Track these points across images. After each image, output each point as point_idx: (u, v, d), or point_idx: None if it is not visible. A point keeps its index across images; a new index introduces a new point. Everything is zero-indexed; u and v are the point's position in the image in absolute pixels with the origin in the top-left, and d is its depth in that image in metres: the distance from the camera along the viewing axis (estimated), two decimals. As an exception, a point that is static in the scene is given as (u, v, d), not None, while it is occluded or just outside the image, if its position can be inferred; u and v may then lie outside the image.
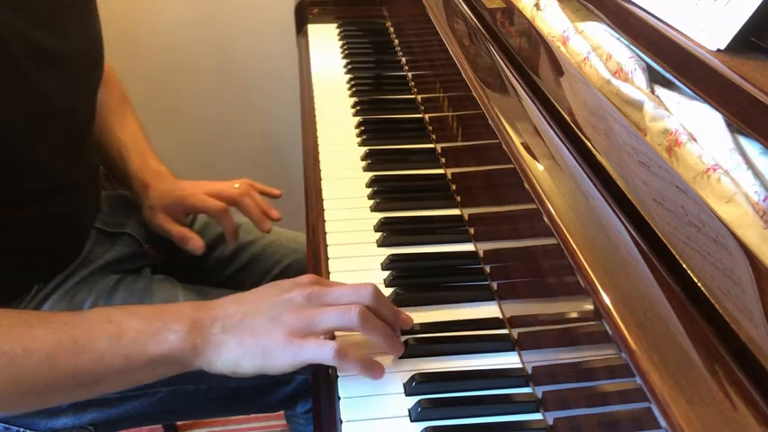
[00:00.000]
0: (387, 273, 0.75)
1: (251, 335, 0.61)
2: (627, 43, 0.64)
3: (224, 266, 1.06)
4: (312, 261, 0.82)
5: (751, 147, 0.49)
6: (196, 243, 0.92)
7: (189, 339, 0.61)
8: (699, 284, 0.41)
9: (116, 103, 1.00)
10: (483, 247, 0.77)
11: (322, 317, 0.61)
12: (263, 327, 0.61)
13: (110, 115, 0.98)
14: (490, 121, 0.68)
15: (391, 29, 1.37)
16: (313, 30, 1.41)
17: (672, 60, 0.58)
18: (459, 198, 0.86)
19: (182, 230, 0.92)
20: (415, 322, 0.68)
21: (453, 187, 0.89)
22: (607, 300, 0.44)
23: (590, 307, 0.46)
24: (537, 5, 0.78)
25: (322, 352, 0.59)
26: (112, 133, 0.97)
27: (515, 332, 0.66)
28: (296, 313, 0.61)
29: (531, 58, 0.71)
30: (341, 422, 0.59)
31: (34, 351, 0.59)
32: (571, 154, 0.56)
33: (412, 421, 0.59)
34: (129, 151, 0.96)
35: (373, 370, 0.62)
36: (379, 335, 0.62)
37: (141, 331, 0.61)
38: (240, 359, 0.61)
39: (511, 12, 0.82)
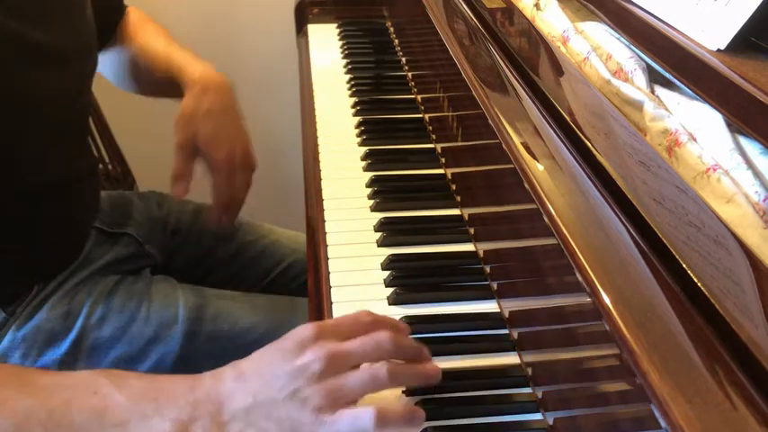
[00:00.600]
0: (387, 273, 0.75)
1: (272, 421, 0.51)
2: (627, 43, 0.64)
3: (224, 267, 1.06)
4: (312, 261, 0.82)
5: (751, 147, 0.49)
6: (177, 190, 0.86)
7: (185, 430, 0.51)
8: (699, 284, 0.41)
9: (156, 30, 1.02)
10: (483, 247, 0.77)
11: (351, 385, 0.53)
12: (285, 408, 0.51)
13: (154, 37, 1.00)
14: (490, 121, 0.68)
15: (391, 29, 1.37)
16: (313, 30, 1.41)
17: (672, 60, 0.58)
18: (459, 198, 0.86)
19: (181, 167, 0.86)
20: (414, 322, 0.68)
21: (453, 187, 0.89)
22: (607, 300, 0.44)
23: (590, 307, 0.46)
24: (537, 5, 0.78)
25: (362, 422, 0.51)
26: (156, 47, 0.97)
27: (515, 332, 0.66)
28: (318, 386, 0.52)
29: (531, 58, 0.71)
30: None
31: (1, 417, 0.51)
32: (571, 154, 0.56)
33: (412, 421, 0.59)
34: (174, 54, 0.96)
35: (418, 417, 0.55)
36: (411, 380, 0.58)
37: (129, 411, 0.52)
38: None
39: (511, 12, 0.82)
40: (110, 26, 1.00)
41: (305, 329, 0.56)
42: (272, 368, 0.54)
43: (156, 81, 0.97)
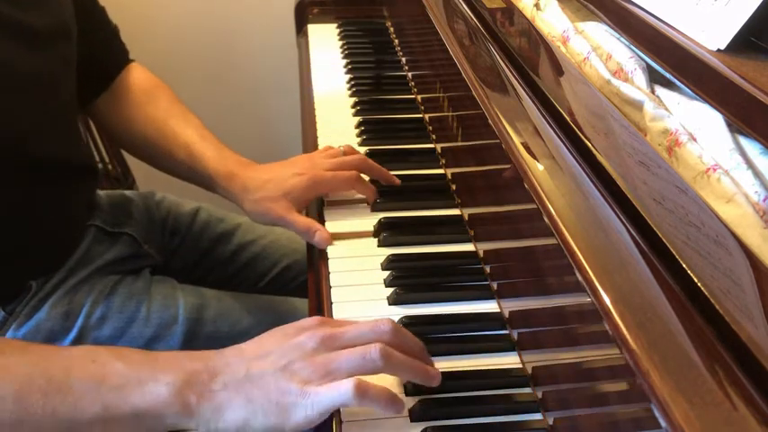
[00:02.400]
0: (387, 273, 0.75)
1: (260, 390, 0.53)
2: (627, 43, 0.64)
3: (224, 267, 1.06)
4: (312, 261, 0.82)
5: (751, 147, 0.49)
6: (323, 234, 0.80)
7: (181, 395, 0.53)
8: (699, 284, 0.41)
9: (171, 107, 0.95)
10: (483, 247, 0.77)
11: (339, 361, 0.54)
12: (273, 380, 0.54)
13: (168, 120, 0.92)
14: (490, 121, 0.68)
15: (391, 29, 1.37)
16: (313, 30, 1.41)
17: (672, 60, 0.58)
18: (459, 198, 0.86)
19: (309, 222, 0.82)
20: (414, 322, 0.68)
21: (453, 187, 0.89)
22: (607, 300, 0.44)
23: (590, 307, 0.46)
24: (537, 5, 0.78)
25: (339, 392, 0.52)
26: (176, 136, 0.90)
27: (515, 332, 0.66)
28: (309, 360, 0.54)
29: (531, 58, 0.71)
30: (342, 422, 0.59)
31: (1, 383, 0.52)
32: (571, 154, 0.56)
33: (412, 421, 0.59)
34: (199, 147, 0.88)
35: (398, 403, 0.56)
36: (408, 369, 0.57)
37: (126, 377, 0.53)
38: (250, 419, 0.53)
39: (511, 12, 0.82)
40: (108, 73, 0.97)
41: (310, 319, 0.59)
42: (270, 345, 0.56)
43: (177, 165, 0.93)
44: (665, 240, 0.45)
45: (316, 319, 0.59)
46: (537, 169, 0.58)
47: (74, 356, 0.56)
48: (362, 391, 0.53)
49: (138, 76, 0.98)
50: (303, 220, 0.82)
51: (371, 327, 0.57)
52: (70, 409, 0.53)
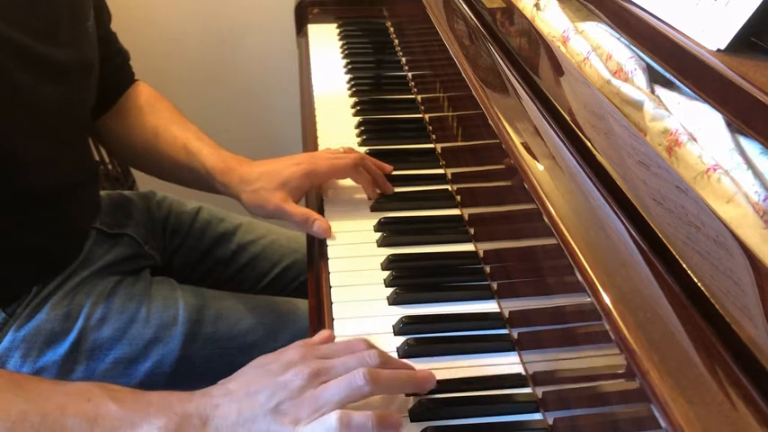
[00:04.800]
0: (387, 273, 0.75)
1: None
2: (627, 43, 0.64)
3: (224, 267, 1.06)
4: (312, 261, 0.82)
5: (751, 147, 0.49)
6: (322, 224, 0.81)
7: None
8: (699, 284, 0.41)
9: (172, 116, 0.96)
10: (483, 247, 0.77)
11: (327, 395, 0.54)
12: (264, 423, 0.54)
13: (169, 126, 0.93)
14: (490, 121, 0.68)
15: (391, 29, 1.37)
16: (313, 30, 1.41)
17: (672, 60, 0.58)
18: (459, 198, 0.86)
19: (306, 211, 0.82)
20: (414, 322, 0.68)
21: (453, 187, 0.89)
22: (607, 300, 0.44)
23: (590, 307, 0.46)
24: (537, 5, 0.78)
25: (325, 427, 0.53)
26: (175, 139, 0.91)
27: (515, 332, 0.66)
28: (297, 399, 0.54)
29: (531, 58, 0.71)
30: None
31: None
32: (571, 154, 0.56)
33: (412, 421, 0.59)
34: (196, 145, 0.89)
35: (389, 423, 0.55)
36: (396, 383, 0.57)
37: (120, 419, 0.54)
38: None
39: (511, 12, 0.82)
40: (114, 91, 0.98)
41: (293, 350, 0.59)
42: (256, 385, 0.56)
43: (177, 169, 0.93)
44: (665, 240, 0.45)
45: (298, 348, 0.59)
46: (537, 169, 0.58)
47: (69, 393, 0.56)
48: (346, 421, 0.53)
49: (141, 91, 1.00)
50: (301, 210, 0.82)
51: (357, 357, 0.58)
52: None
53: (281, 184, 0.82)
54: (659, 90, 0.58)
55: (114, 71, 0.96)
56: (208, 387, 0.58)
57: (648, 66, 0.61)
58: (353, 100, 1.13)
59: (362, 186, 0.87)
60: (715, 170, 0.48)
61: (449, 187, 0.89)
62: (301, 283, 1.05)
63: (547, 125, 0.61)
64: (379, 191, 0.88)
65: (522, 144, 0.62)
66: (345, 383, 0.55)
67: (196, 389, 0.82)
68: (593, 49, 0.66)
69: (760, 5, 0.52)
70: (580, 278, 0.47)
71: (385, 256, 0.78)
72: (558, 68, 0.68)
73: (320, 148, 1.00)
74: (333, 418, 0.53)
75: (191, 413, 0.55)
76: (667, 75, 0.58)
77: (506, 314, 0.69)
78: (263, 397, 0.55)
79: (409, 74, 1.19)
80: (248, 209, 0.85)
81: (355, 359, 0.57)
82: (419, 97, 1.11)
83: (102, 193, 1.00)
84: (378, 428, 0.54)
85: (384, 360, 0.58)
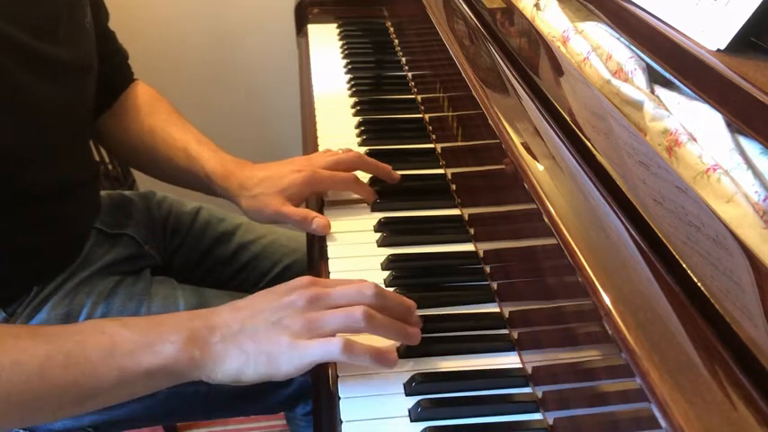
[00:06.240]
0: (387, 273, 0.75)
1: (253, 342, 0.59)
2: (627, 43, 0.64)
3: (224, 267, 1.06)
4: (312, 261, 0.82)
5: (751, 147, 0.49)
6: (320, 221, 0.82)
7: (186, 350, 0.59)
8: (699, 284, 0.41)
9: (171, 117, 0.96)
10: (483, 247, 0.77)
11: (326, 319, 0.59)
12: (265, 333, 0.59)
13: (168, 128, 0.94)
14: (490, 121, 0.68)
15: (391, 29, 1.37)
16: (313, 30, 1.41)
17: (672, 60, 0.58)
18: (459, 198, 0.86)
19: (305, 211, 0.83)
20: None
21: (453, 187, 0.89)
22: (607, 300, 0.44)
23: (590, 307, 0.46)
24: (537, 5, 0.78)
25: (329, 349, 0.58)
26: (174, 141, 0.92)
27: (515, 332, 0.66)
28: (298, 317, 0.60)
29: (531, 58, 0.71)
30: (341, 422, 0.59)
31: (24, 364, 0.57)
32: (571, 154, 0.56)
33: (412, 421, 0.59)
34: (196, 149, 0.90)
35: (385, 359, 0.61)
36: (388, 330, 0.62)
37: (136, 342, 0.59)
38: (243, 368, 0.59)
39: (511, 12, 0.82)
40: (113, 90, 0.97)
41: (300, 279, 0.64)
42: (261, 304, 0.62)
43: (177, 172, 0.93)
44: (665, 240, 0.45)
45: (306, 278, 0.64)
46: (537, 169, 0.58)
47: (84, 331, 0.60)
48: (349, 348, 0.58)
49: (140, 91, 0.99)
50: (299, 211, 0.83)
51: (356, 288, 0.62)
52: (89, 378, 0.57)
53: (281, 190, 0.83)
54: (659, 90, 0.58)
55: (113, 70, 0.96)
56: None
57: (648, 66, 0.61)
58: (353, 100, 1.13)
59: (362, 197, 0.87)
60: (715, 170, 0.48)
61: (449, 187, 0.89)
62: (302, 282, 1.05)
63: (547, 125, 0.61)
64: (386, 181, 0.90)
65: (522, 144, 0.62)
66: (344, 315, 0.59)
67: (197, 388, 0.84)
68: (593, 49, 0.66)
69: (760, 5, 0.52)
70: (580, 278, 0.47)
71: (385, 256, 0.78)
72: (558, 68, 0.68)
73: (320, 148, 1.00)
74: (336, 341, 0.58)
75: (200, 326, 0.60)
76: (667, 75, 0.58)
77: (506, 314, 0.69)
78: (267, 313, 0.60)
79: (409, 74, 1.19)
80: (247, 214, 0.86)
81: (354, 289, 0.62)
82: (419, 97, 1.11)
83: (103, 193, 1.00)
84: (375, 360, 0.60)
85: (381, 296, 0.62)
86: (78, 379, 0.57)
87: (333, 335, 0.60)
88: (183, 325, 0.60)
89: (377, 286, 0.63)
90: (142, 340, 0.59)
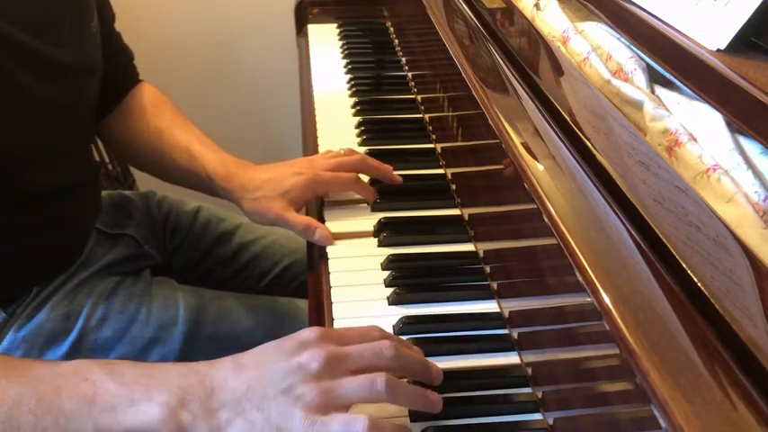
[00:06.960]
0: (387, 273, 0.75)
1: (261, 413, 0.51)
2: (627, 43, 0.64)
3: (224, 267, 1.06)
4: (312, 261, 0.82)
5: (751, 147, 0.49)
6: (323, 232, 0.80)
7: (174, 414, 0.51)
8: (699, 284, 0.41)
9: (175, 119, 0.96)
10: (483, 247, 0.77)
11: (345, 389, 0.52)
12: (275, 403, 0.51)
13: (172, 129, 0.93)
14: (490, 121, 0.68)
15: (391, 29, 1.37)
16: (313, 30, 1.41)
17: (672, 60, 0.58)
18: (459, 198, 0.86)
19: (308, 220, 0.81)
20: (414, 322, 0.68)
21: (453, 187, 0.89)
22: (607, 300, 0.44)
23: (590, 307, 0.46)
24: (537, 5, 0.78)
25: (354, 428, 0.50)
26: (177, 142, 0.91)
27: (515, 332, 0.66)
28: (312, 384, 0.52)
29: (531, 58, 0.71)
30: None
31: None
32: (571, 154, 0.56)
33: (412, 421, 0.59)
34: (198, 150, 0.89)
35: None
36: (412, 399, 0.56)
37: (119, 397, 0.52)
38: None
39: (511, 12, 0.82)
40: (118, 91, 0.98)
41: (309, 331, 0.56)
42: (269, 363, 0.54)
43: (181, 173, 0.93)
44: (665, 240, 0.45)
45: (315, 332, 0.56)
46: (537, 169, 0.58)
47: (66, 374, 0.54)
48: (376, 429, 0.50)
49: (145, 92, 1.00)
50: (302, 219, 0.81)
51: (375, 350, 0.55)
52: (61, 430, 0.51)
53: (283, 193, 0.82)
54: (659, 90, 0.58)
55: (118, 70, 0.96)
56: (217, 359, 0.56)
57: (648, 66, 0.61)
58: (353, 100, 1.13)
59: (363, 197, 0.87)
60: (715, 170, 0.48)
61: (449, 187, 0.89)
62: (302, 282, 1.05)
63: (547, 125, 0.61)
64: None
65: (522, 144, 0.62)
66: (366, 386, 0.52)
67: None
68: (593, 49, 0.66)
69: (760, 5, 0.52)
70: (580, 278, 0.47)
71: (385, 256, 0.78)
72: (558, 68, 0.68)
73: (320, 148, 1.01)
74: (363, 423, 0.50)
75: (194, 385, 0.52)
76: (667, 75, 0.58)
77: (506, 314, 0.69)
78: (276, 375, 0.52)
79: (409, 74, 1.19)
80: (249, 216, 0.85)
81: (371, 350, 0.55)
82: (419, 97, 1.11)
83: (103, 193, 1.00)
84: None
85: (400, 355, 0.56)
86: (48, 430, 0.51)
87: (350, 406, 0.53)
88: (173, 382, 0.53)
89: (394, 345, 0.56)
90: (126, 395, 0.52)
